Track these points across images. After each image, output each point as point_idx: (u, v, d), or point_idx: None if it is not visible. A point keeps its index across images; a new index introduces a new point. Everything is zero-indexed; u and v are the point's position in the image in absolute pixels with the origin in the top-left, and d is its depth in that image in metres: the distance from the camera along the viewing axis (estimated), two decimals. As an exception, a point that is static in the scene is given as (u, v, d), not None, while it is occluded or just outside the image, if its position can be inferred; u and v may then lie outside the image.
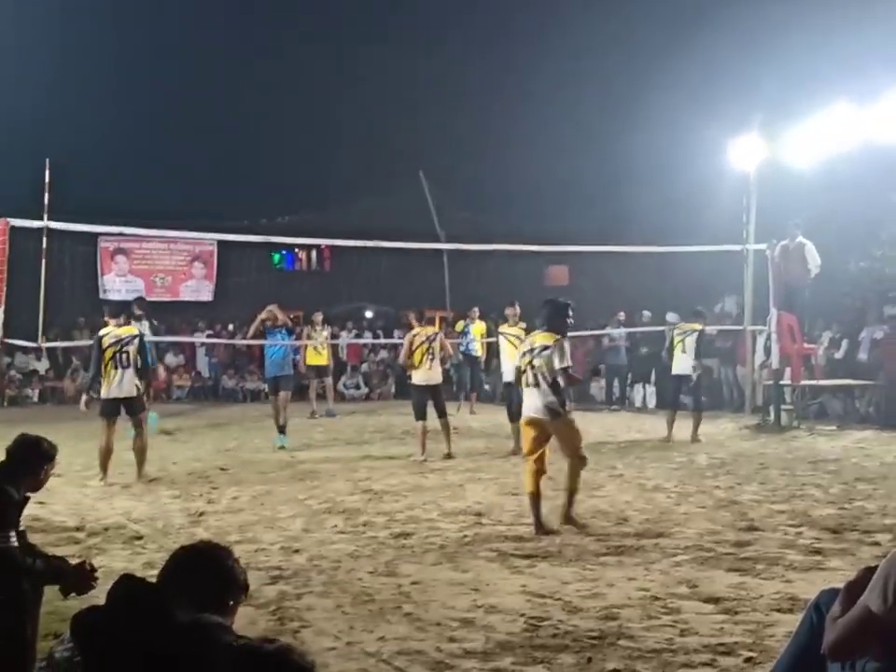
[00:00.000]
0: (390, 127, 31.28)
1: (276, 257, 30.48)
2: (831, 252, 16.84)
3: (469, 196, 29.69)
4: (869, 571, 2.88)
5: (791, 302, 16.12)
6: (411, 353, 12.93)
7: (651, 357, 19.67)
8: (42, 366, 24.07)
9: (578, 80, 28.41)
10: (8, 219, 10.87)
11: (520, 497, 9.56)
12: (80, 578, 4.52)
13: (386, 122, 31.56)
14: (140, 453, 11.12)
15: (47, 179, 11.63)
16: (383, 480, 10.94)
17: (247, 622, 5.26)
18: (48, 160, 11.73)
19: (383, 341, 25.84)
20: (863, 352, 16.78)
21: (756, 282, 17.25)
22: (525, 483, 8.37)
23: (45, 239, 11.60)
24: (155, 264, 27.55)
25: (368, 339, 26.35)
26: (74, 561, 4.80)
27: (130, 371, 11.02)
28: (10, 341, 11.64)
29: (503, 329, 13.78)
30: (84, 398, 11.62)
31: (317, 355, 19.36)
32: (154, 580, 2.74)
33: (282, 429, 14.17)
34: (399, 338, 19.56)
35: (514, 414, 13.08)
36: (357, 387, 25.18)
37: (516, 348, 13.05)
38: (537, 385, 8.28)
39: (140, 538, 7.93)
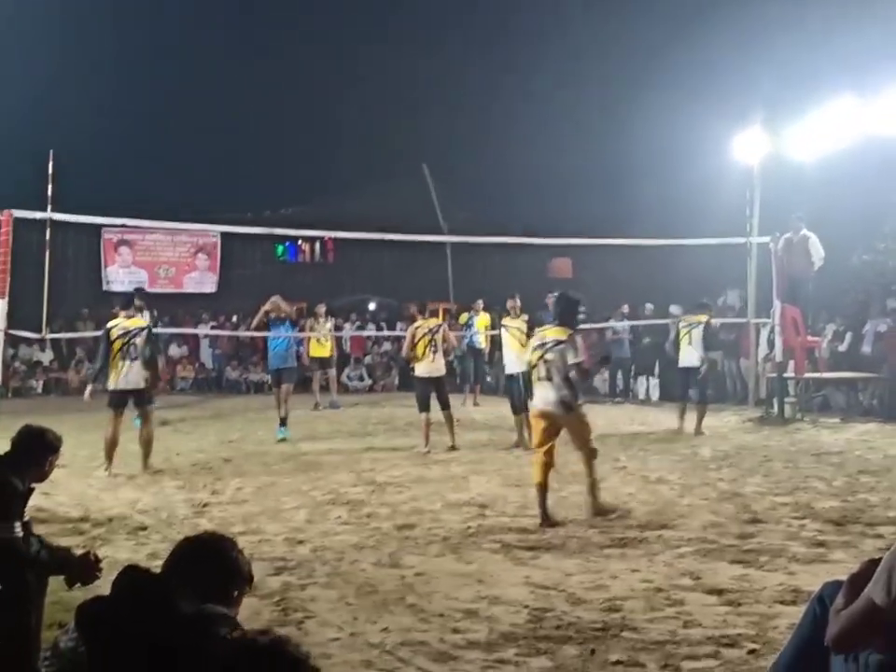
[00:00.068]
0: (391, 125, 31.39)
1: (280, 248, 30.49)
2: (834, 245, 16.80)
3: (471, 191, 29.72)
4: (872, 563, 2.88)
5: (795, 295, 16.11)
6: (413, 345, 12.94)
7: (655, 349, 19.65)
8: (46, 357, 24.11)
9: (580, 75, 28.43)
10: (12, 210, 10.85)
11: (523, 488, 9.58)
12: (85, 568, 4.52)
13: (388, 119, 31.66)
14: (146, 444, 11.14)
15: (50, 171, 11.63)
16: (386, 471, 10.95)
17: (251, 612, 5.27)
18: (51, 151, 11.71)
19: (386, 333, 25.84)
20: (867, 345, 16.75)
21: (759, 275, 17.23)
22: (532, 474, 8.39)
23: (48, 230, 11.60)
24: (158, 256, 27.58)
25: (371, 331, 26.36)
26: (78, 552, 4.81)
27: (137, 363, 11.07)
28: (14, 332, 11.65)
29: (505, 321, 13.77)
30: (89, 388, 11.67)
31: (320, 346, 19.36)
32: (158, 570, 2.74)
33: (283, 422, 14.16)
34: (402, 330, 19.56)
35: (517, 407, 13.12)
36: (361, 379, 25.20)
37: (518, 341, 13.13)
38: (549, 378, 8.32)
39: (144, 528, 7.95)
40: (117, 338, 11.07)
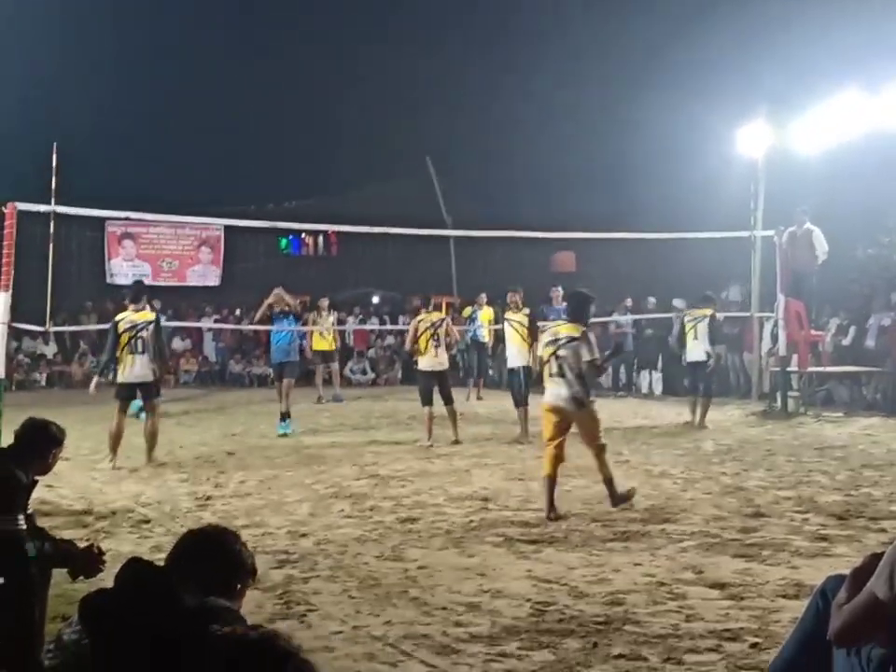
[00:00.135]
0: (394, 122, 31.35)
1: (283, 242, 30.49)
2: (838, 239, 16.77)
3: (475, 186, 29.70)
4: (875, 558, 2.88)
5: (799, 289, 16.09)
6: (416, 339, 12.95)
7: (658, 342, 19.66)
8: (50, 350, 24.14)
9: (582, 70, 28.36)
10: (16, 203, 10.85)
11: (526, 482, 9.60)
12: (88, 561, 4.54)
13: (391, 116, 31.64)
14: (150, 437, 11.16)
15: (54, 163, 11.62)
16: (389, 465, 10.96)
17: (254, 605, 5.28)
18: (55, 143, 11.70)
19: (389, 327, 25.85)
20: (871, 339, 16.73)
21: (763, 268, 17.21)
22: (543, 466, 8.42)
23: (52, 223, 11.59)
24: (162, 249, 27.59)
25: (374, 324, 26.37)
26: (82, 544, 4.82)
27: (145, 357, 11.09)
28: (18, 325, 11.63)
29: (508, 315, 13.76)
30: (95, 380, 11.70)
31: (323, 340, 19.36)
32: (161, 563, 2.74)
33: (284, 417, 14.10)
34: (405, 324, 19.56)
35: (519, 400, 13.14)
36: (364, 373, 25.21)
37: (519, 334, 13.15)
38: (562, 374, 8.36)
39: (148, 521, 7.96)
40: (124, 331, 11.10)
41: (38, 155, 12.68)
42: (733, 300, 20.25)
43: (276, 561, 6.60)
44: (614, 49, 28.97)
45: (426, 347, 12.84)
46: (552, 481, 8.20)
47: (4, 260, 10.56)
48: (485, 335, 19.81)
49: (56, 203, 11.45)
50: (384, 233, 18.14)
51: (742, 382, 19.05)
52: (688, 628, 5.09)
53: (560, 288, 16.19)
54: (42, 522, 5.31)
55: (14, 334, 16.69)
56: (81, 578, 4.56)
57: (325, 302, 19.09)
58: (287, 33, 32.70)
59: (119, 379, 11.17)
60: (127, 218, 21.65)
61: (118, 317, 11.38)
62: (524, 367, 13.16)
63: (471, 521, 7.91)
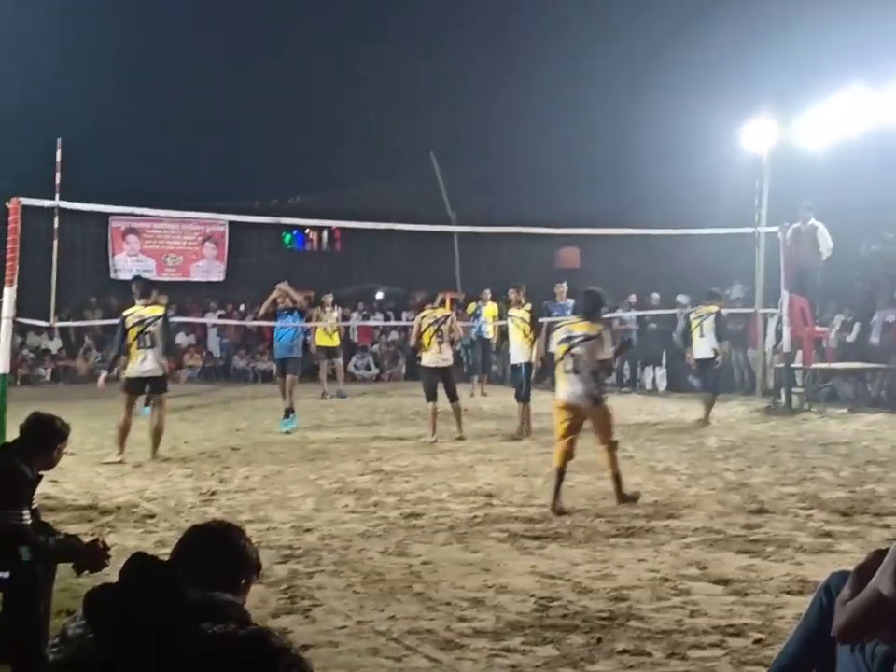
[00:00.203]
0: (398, 118, 31.32)
1: (287, 237, 30.51)
2: (842, 235, 16.76)
3: (479, 182, 29.68)
4: (879, 554, 2.88)
5: (803, 285, 16.07)
6: (420, 335, 12.96)
7: (661, 338, 19.64)
8: (54, 345, 24.19)
9: (586, 65, 28.30)
10: (20, 199, 10.86)
11: (530, 478, 9.61)
12: (93, 556, 4.55)
13: (395, 112, 31.61)
14: (156, 433, 11.18)
15: (58, 159, 11.63)
16: (393, 460, 10.97)
17: (258, 600, 5.29)
18: (59, 139, 11.72)
19: (393, 322, 25.85)
20: (875, 335, 16.70)
21: (768, 265, 17.18)
22: (553, 459, 8.46)
23: (57, 218, 11.61)
24: (166, 244, 27.62)
25: (378, 320, 26.37)
26: (86, 539, 4.83)
27: (153, 351, 11.12)
28: (22, 320, 11.65)
29: (511, 311, 13.77)
30: (103, 375, 11.72)
31: (327, 336, 19.35)
32: (166, 558, 2.75)
33: (287, 413, 14.07)
34: (409, 320, 19.56)
35: (520, 396, 13.15)
36: (368, 368, 25.24)
37: (521, 331, 13.16)
38: (576, 371, 8.39)
39: (152, 516, 7.97)
40: (132, 326, 11.12)
41: (42, 151, 12.71)
42: (735, 297, 20.22)
43: (281, 556, 6.61)
44: (618, 47, 28.93)
45: (429, 343, 12.85)
46: (560, 472, 8.24)
47: (8, 256, 10.60)
48: (489, 331, 19.80)
49: (61, 199, 11.47)
50: (388, 229, 18.15)
51: (746, 378, 19.02)
52: (692, 624, 5.10)
53: (565, 284, 16.16)
54: (47, 517, 5.33)
55: (19, 329, 16.74)
56: (86, 572, 4.57)
57: (329, 298, 19.08)
58: (288, 31, 32.72)
59: (128, 373, 11.20)
60: (131, 214, 21.69)
61: (126, 312, 11.41)
62: (525, 363, 13.18)
63: (475, 516, 7.91)
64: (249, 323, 22.87)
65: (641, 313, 20.27)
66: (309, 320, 17.51)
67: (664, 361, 20.44)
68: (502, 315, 18.08)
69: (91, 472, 10.24)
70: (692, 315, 14.65)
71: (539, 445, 11.91)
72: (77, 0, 28.72)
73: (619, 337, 15.75)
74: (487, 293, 19.82)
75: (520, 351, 13.34)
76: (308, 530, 7.46)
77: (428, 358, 12.95)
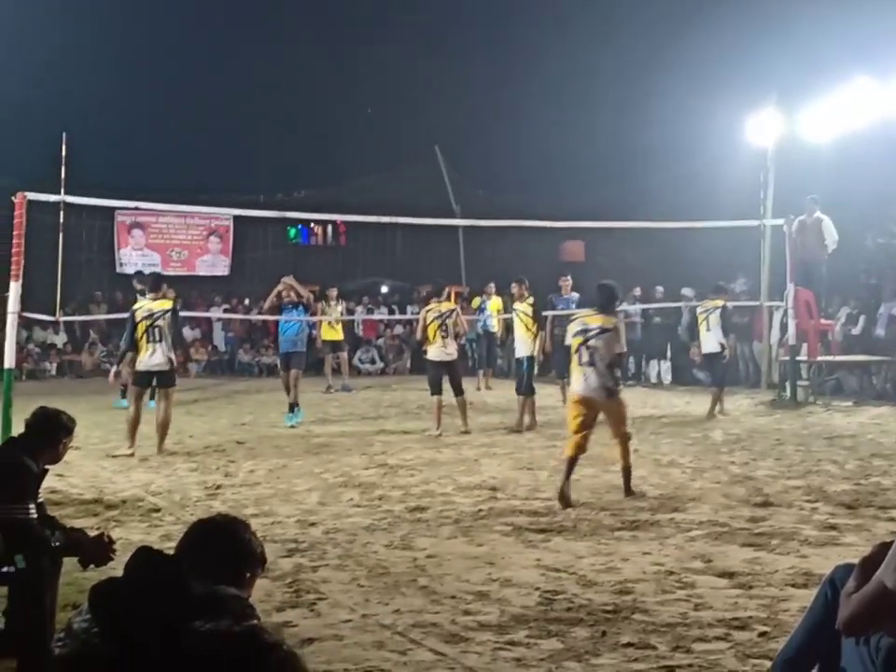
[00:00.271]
0: (399, 114, 31.26)
1: (292, 231, 30.45)
2: (848, 228, 16.73)
3: (484, 175, 29.66)
4: (884, 547, 2.88)
5: (808, 278, 16.06)
6: (425, 329, 12.97)
7: (666, 331, 19.63)
8: (60, 340, 24.20)
9: (591, 59, 28.21)
10: (26, 193, 10.88)
11: (535, 471, 9.62)
12: (99, 549, 4.56)
13: (397, 106, 31.53)
14: (162, 427, 11.20)
15: (63, 153, 11.65)
16: (398, 454, 10.98)
17: (263, 594, 5.30)
18: (64, 134, 11.73)
19: (398, 316, 25.84)
20: (880, 328, 16.69)
21: (773, 258, 17.17)
22: (565, 450, 8.50)
23: (62, 213, 11.63)
24: (171, 238, 27.61)
25: (383, 314, 26.37)
26: (92, 533, 4.84)
27: (162, 345, 11.16)
28: (28, 314, 11.68)
29: (515, 305, 13.77)
30: (114, 369, 11.78)
31: (332, 329, 19.35)
32: (171, 552, 2.75)
33: (291, 407, 14.05)
34: (414, 313, 19.56)
35: (520, 389, 13.16)
36: (373, 362, 25.23)
37: (524, 324, 13.17)
38: (592, 364, 8.40)
39: (157, 510, 7.98)
40: (141, 320, 11.17)
41: (47, 146, 12.73)
42: (739, 290, 20.20)
43: (286, 550, 6.62)
44: (622, 40, 28.84)
45: (434, 337, 12.86)
46: (572, 463, 8.28)
47: (14, 251, 10.61)
48: (494, 325, 19.79)
49: (66, 193, 11.49)
50: (393, 223, 18.17)
51: (751, 371, 19.02)
52: (696, 617, 5.10)
53: (569, 278, 16.13)
54: (52, 511, 5.34)
55: (24, 324, 16.77)
56: (92, 566, 4.58)
57: (333, 292, 19.08)
58: (290, 23, 32.65)
59: (137, 367, 11.27)
60: (136, 208, 21.66)
61: (135, 306, 11.49)
62: (527, 357, 13.20)
63: (480, 510, 7.92)
64: (254, 317, 22.88)
65: (646, 306, 20.24)
66: (314, 314, 17.52)
67: (668, 354, 20.43)
68: (507, 309, 18.07)
69: (97, 466, 10.25)
70: (697, 309, 14.63)
71: (543, 439, 11.92)
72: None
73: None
74: (492, 287, 19.80)
75: (522, 344, 13.36)
76: (313, 524, 7.48)
77: (434, 352, 12.96)
